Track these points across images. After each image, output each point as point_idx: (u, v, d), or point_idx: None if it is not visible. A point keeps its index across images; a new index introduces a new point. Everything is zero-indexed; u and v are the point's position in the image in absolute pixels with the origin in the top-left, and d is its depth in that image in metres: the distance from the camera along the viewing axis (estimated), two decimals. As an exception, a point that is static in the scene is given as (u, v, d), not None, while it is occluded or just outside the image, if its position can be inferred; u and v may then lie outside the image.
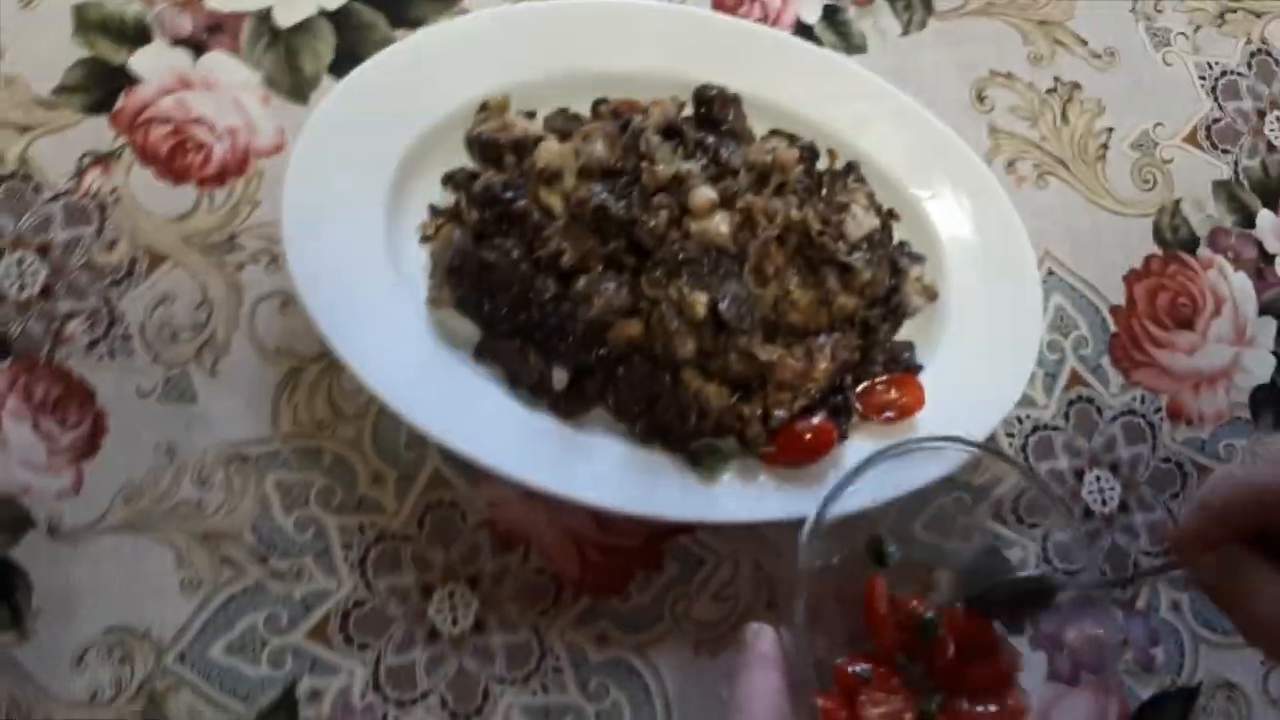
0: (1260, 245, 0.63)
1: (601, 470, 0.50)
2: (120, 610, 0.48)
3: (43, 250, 0.51)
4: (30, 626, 0.47)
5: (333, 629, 0.49)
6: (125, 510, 0.49)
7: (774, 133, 0.56)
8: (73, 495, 0.49)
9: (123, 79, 0.54)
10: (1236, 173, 0.64)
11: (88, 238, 0.52)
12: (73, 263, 0.51)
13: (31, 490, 0.49)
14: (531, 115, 0.55)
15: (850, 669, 0.44)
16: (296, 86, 0.55)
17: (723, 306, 0.50)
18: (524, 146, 0.52)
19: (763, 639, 0.43)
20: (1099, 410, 0.59)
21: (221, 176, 0.53)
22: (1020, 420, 0.58)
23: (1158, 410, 0.59)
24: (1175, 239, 0.62)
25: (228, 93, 0.54)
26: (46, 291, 0.51)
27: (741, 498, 0.50)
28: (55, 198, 0.52)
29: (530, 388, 0.51)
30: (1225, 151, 0.65)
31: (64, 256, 0.51)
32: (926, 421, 0.53)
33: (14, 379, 0.49)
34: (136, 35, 0.54)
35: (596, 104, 0.55)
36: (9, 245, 0.51)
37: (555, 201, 0.51)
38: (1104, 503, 0.57)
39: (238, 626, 0.49)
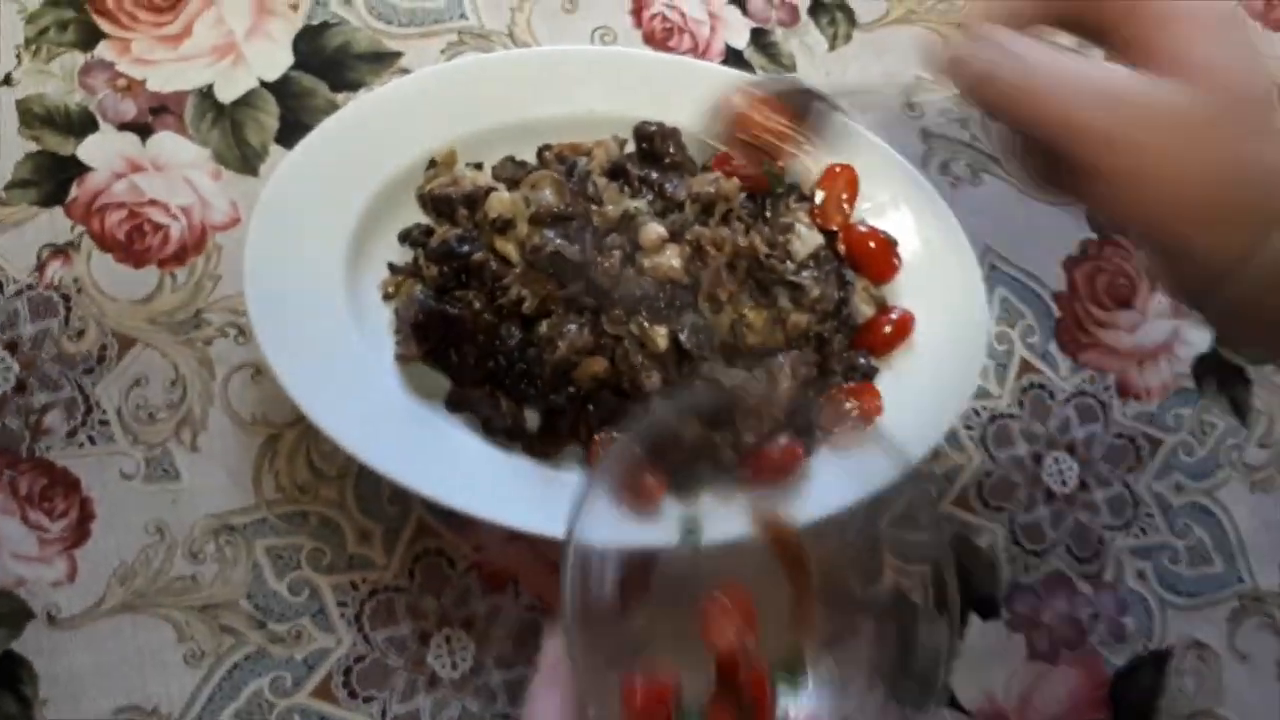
0: (1188, 219, 0.66)
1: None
2: (127, 690, 0.49)
3: (11, 346, 0.52)
4: (38, 716, 0.48)
5: (336, 685, 0.51)
6: (121, 591, 0.50)
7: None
8: (68, 583, 0.50)
9: (73, 168, 0.54)
10: (1160, 151, 0.67)
11: (55, 329, 0.53)
12: (43, 355, 0.52)
13: (27, 582, 0.50)
14: (479, 166, 0.56)
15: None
16: (245, 159, 0.56)
17: (683, 337, 0.51)
18: (475, 199, 0.54)
19: (547, 652, 0.39)
20: (1051, 394, 0.61)
21: (181, 255, 0.54)
22: (977, 413, 0.60)
23: (1107, 388, 0.62)
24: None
25: (178, 172, 0.55)
26: (20, 386, 0.52)
27: (719, 519, 0.52)
28: (19, 293, 0.53)
29: (504, 432, 0.52)
30: (1147, 132, 0.67)
31: (33, 350, 0.52)
32: (887, 425, 0.55)
33: (-3, 475, 0.51)
34: (82, 124, 0.55)
35: (541, 150, 0.56)
36: (-23, 345, 0.52)
37: (511, 249, 0.53)
38: (1064, 483, 0.60)
39: (244, 693, 0.50)
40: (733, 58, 0.62)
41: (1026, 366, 0.61)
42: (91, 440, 0.52)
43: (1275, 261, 0.38)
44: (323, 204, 0.53)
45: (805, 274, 0.55)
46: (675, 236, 0.53)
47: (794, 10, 0.64)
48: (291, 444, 0.53)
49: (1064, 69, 0.38)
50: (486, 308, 0.52)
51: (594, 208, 0.53)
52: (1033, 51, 0.39)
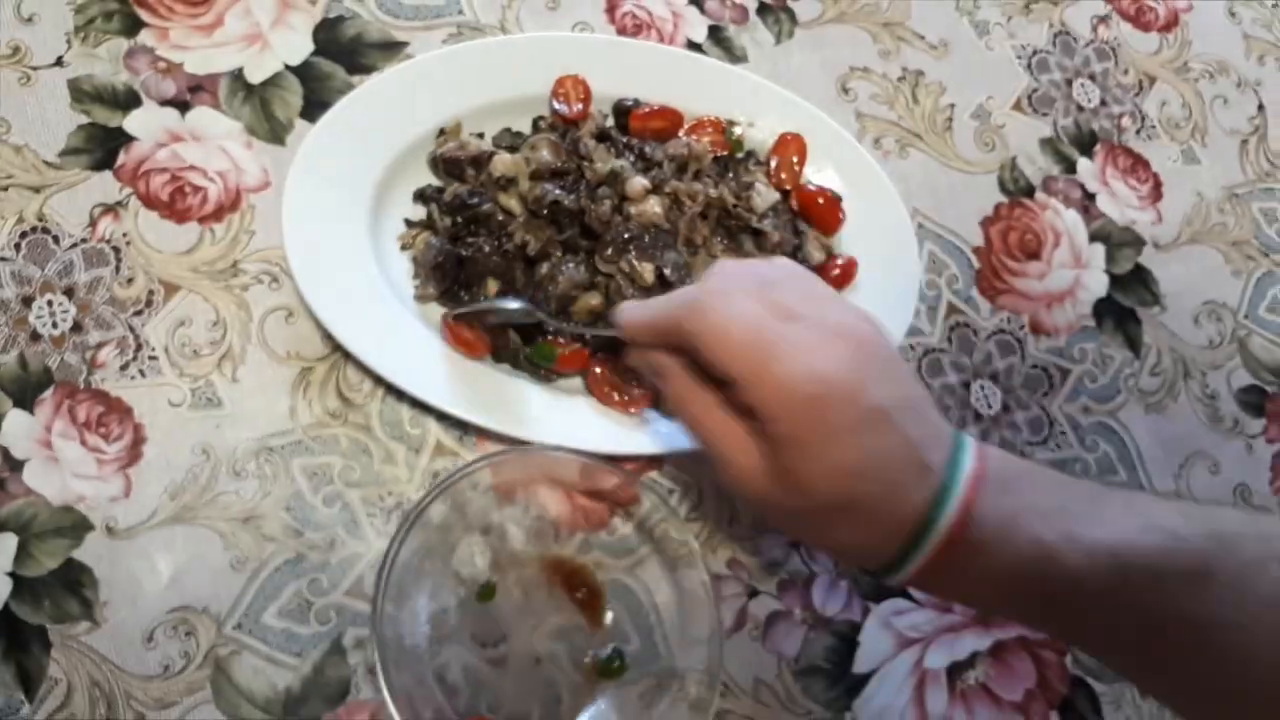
0: (1083, 187, 0.77)
1: (580, 421, 0.59)
2: (180, 592, 0.55)
3: (69, 292, 0.58)
4: (101, 615, 0.54)
5: (369, 585, 0.57)
6: (172, 506, 0.56)
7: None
8: (124, 499, 0.56)
9: (120, 138, 0.61)
10: (1056, 131, 0.78)
11: (108, 277, 0.59)
12: (97, 299, 0.58)
13: (86, 498, 0.55)
14: (481, 136, 0.64)
15: None
16: (274, 131, 0.63)
17: (667, 272, 0.60)
18: (480, 160, 0.62)
19: None
20: (975, 332, 0.71)
21: (219, 213, 0.61)
22: (913, 347, 0.69)
23: (1021, 327, 0.72)
24: (1016, 188, 0.75)
25: (214, 142, 0.62)
26: (77, 327, 0.58)
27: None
28: (74, 245, 0.59)
29: (510, 359, 0.60)
30: (1045, 114, 0.78)
31: (88, 295, 0.58)
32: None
33: (59, 404, 0.56)
34: (127, 100, 0.62)
35: (536, 120, 0.65)
36: (38, 290, 0.58)
37: (514, 203, 0.61)
38: (989, 406, 0.69)
39: (285, 593, 0.56)
40: (692, 48, 0.72)
41: (953, 309, 0.71)
42: (142, 373, 0.58)
43: (933, 563, 0.44)
44: (347, 169, 0.61)
45: (766, 222, 0.64)
46: (656, 189, 0.62)
47: (743, 10, 0.74)
48: (322, 376, 0.60)
49: (710, 421, 0.48)
50: (495, 251, 0.60)
51: (586, 165, 0.62)
52: (680, 396, 0.50)
